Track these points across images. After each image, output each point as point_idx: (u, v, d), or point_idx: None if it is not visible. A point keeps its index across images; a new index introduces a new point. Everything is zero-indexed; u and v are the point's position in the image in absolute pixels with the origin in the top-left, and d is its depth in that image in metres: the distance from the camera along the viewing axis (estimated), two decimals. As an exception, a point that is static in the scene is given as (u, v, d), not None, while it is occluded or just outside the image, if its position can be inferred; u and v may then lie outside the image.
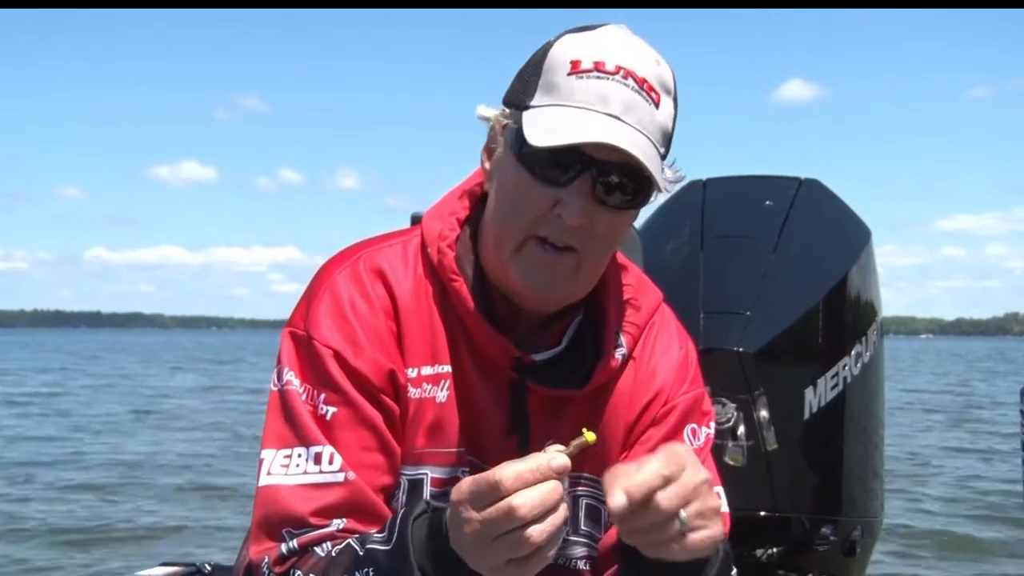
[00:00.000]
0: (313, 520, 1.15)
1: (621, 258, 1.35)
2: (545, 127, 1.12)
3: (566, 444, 0.99)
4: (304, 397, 1.19)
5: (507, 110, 1.20)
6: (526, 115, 1.15)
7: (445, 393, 1.23)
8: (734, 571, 1.23)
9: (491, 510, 0.94)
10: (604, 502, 1.29)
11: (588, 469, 1.29)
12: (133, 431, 13.60)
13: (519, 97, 1.18)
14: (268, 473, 1.18)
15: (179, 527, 7.21)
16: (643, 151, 1.11)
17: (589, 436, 0.98)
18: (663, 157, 1.19)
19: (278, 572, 1.13)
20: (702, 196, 2.35)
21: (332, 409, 1.18)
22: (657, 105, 1.15)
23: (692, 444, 1.31)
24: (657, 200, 1.24)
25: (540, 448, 0.99)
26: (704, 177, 2.43)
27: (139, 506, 8.10)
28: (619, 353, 1.28)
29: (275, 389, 1.23)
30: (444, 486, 1.20)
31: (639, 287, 1.35)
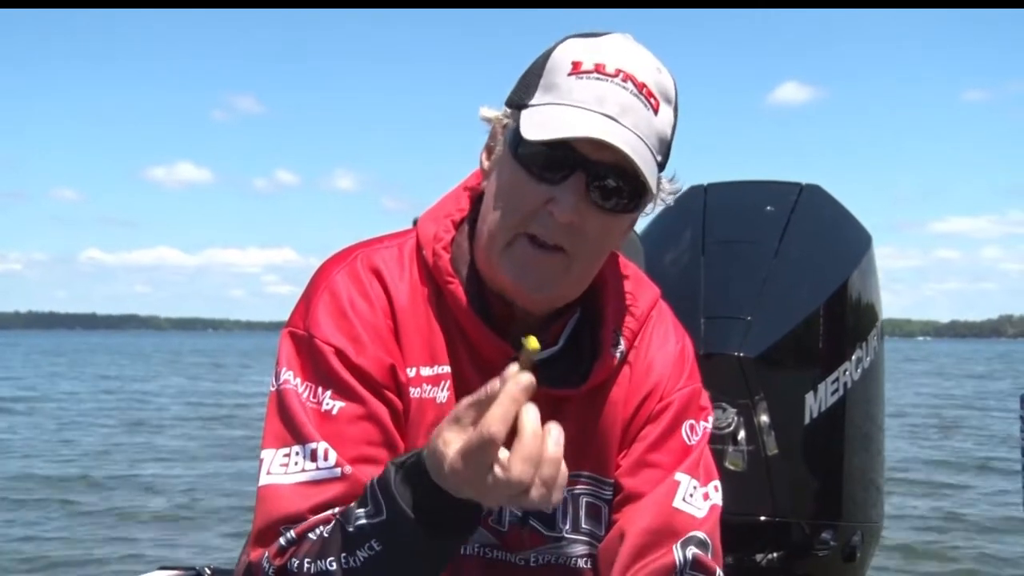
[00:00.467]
0: (312, 516, 1.15)
1: (618, 255, 1.35)
2: (540, 122, 1.13)
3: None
4: (305, 395, 1.20)
5: (508, 110, 1.21)
6: (524, 113, 1.16)
7: (445, 394, 1.23)
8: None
9: (493, 481, 0.94)
10: (605, 500, 1.30)
11: (588, 467, 1.29)
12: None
13: (520, 97, 1.19)
14: (268, 473, 1.18)
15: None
16: (637, 153, 1.12)
17: (532, 342, 0.98)
18: (661, 166, 1.20)
19: (278, 565, 1.13)
20: (703, 201, 2.35)
21: (338, 404, 1.19)
22: (656, 111, 1.16)
23: (689, 440, 1.32)
24: (653, 210, 1.24)
25: None
26: (705, 182, 2.43)
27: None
28: (616, 352, 1.28)
29: (273, 390, 1.23)
30: None
31: (636, 284, 1.35)
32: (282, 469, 1.17)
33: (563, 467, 0.97)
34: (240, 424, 14.66)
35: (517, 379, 0.95)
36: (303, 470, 1.16)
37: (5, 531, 7.42)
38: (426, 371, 1.24)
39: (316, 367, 1.20)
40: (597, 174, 1.13)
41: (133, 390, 23.42)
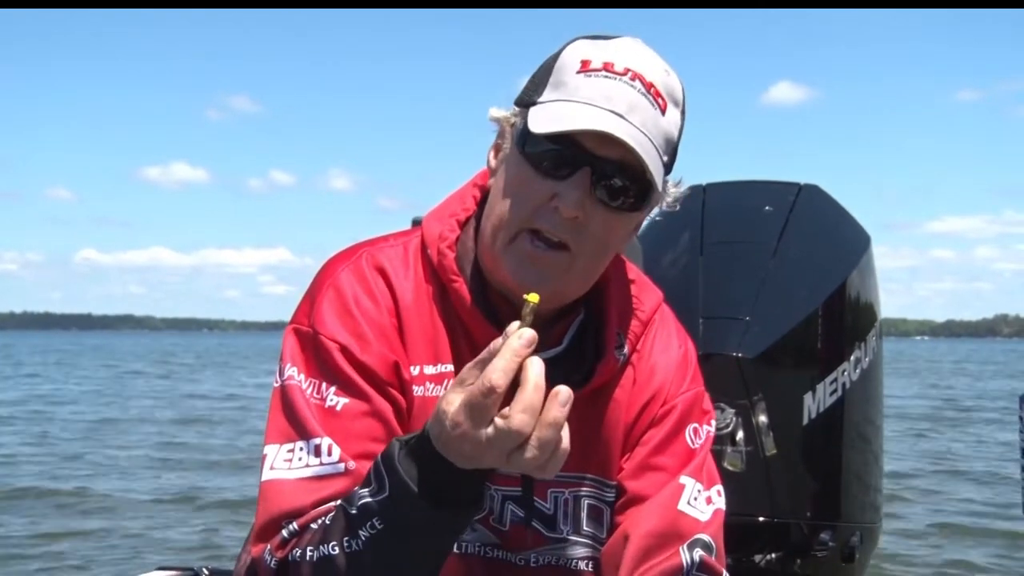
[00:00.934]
0: (314, 511, 1.15)
1: (622, 258, 1.36)
2: (546, 117, 1.13)
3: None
4: (309, 391, 1.20)
5: (517, 109, 1.22)
6: (532, 110, 1.16)
7: None
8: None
9: (493, 432, 0.95)
10: (607, 503, 1.29)
11: (592, 470, 1.29)
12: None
13: (529, 96, 1.19)
14: (271, 468, 1.18)
15: None
16: (644, 150, 1.12)
17: (532, 297, 1.00)
18: (667, 168, 1.20)
19: (280, 557, 1.13)
20: (702, 201, 2.35)
21: (342, 400, 1.19)
22: (663, 112, 1.16)
23: (693, 443, 1.32)
24: (657, 213, 1.24)
25: None
26: (703, 182, 2.43)
27: None
28: (620, 354, 1.28)
29: (277, 386, 1.23)
30: None
31: (640, 287, 1.36)
32: (285, 464, 1.17)
33: (565, 438, 0.97)
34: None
35: (520, 333, 0.96)
36: (307, 465, 1.16)
37: None
38: (429, 369, 1.24)
39: (320, 363, 1.21)
40: (603, 171, 1.14)
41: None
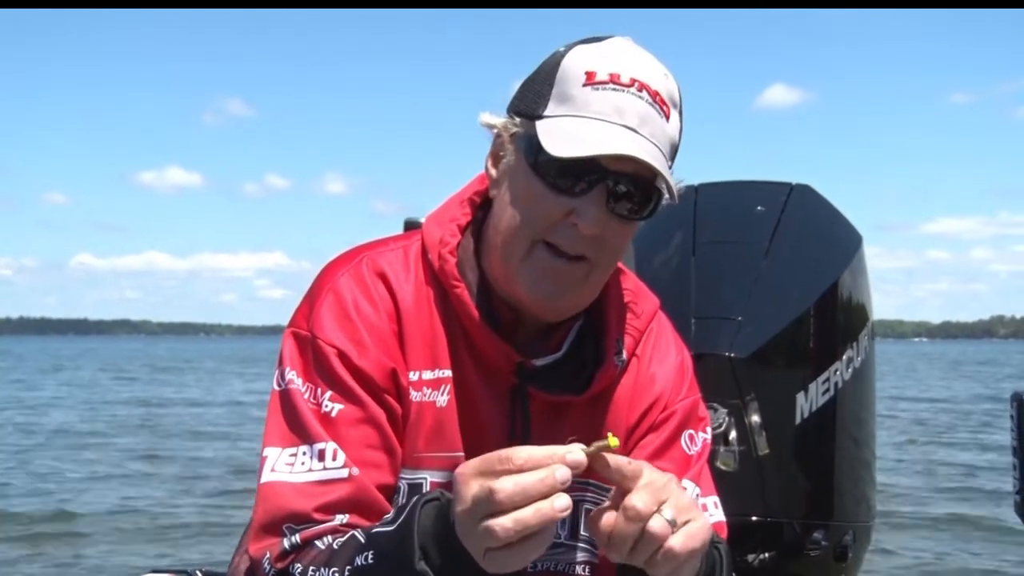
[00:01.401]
0: (317, 516, 1.15)
1: (619, 264, 1.36)
2: (564, 137, 1.12)
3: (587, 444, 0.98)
4: (307, 395, 1.20)
5: (516, 119, 1.21)
6: (540, 125, 1.15)
7: (446, 398, 1.24)
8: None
9: (477, 490, 0.94)
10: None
11: (593, 477, 1.29)
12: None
13: (531, 107, 1.18)
14: (272, 470, 1.18)
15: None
16: (657, 162, 1.13)
17: (613, 440, 0.98)
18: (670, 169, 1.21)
19: (279, 568, 1.13)
20: (694, 201, 2.35)
21: (337, 406, 1.19)
22: (667, 118, 1.17)
23: (689, 450, 1.33)
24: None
25: None
26: (695, 183, 2.43)
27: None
28: (618, 360, 1.29)
29: (277, 389, 1.23)
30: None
31: (637, 294, 1.36)
32: (287, 468, 1.18)
33: (547, 537, 0.95)
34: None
35: (571, 449, 0.96)
36: (310, 470, 1.17)
37: None
38: (428, 375, 1.24)
39: (318, 368, 1.21)
40: (617, 185, 1.15)
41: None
